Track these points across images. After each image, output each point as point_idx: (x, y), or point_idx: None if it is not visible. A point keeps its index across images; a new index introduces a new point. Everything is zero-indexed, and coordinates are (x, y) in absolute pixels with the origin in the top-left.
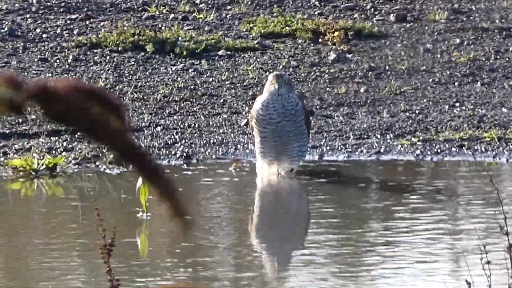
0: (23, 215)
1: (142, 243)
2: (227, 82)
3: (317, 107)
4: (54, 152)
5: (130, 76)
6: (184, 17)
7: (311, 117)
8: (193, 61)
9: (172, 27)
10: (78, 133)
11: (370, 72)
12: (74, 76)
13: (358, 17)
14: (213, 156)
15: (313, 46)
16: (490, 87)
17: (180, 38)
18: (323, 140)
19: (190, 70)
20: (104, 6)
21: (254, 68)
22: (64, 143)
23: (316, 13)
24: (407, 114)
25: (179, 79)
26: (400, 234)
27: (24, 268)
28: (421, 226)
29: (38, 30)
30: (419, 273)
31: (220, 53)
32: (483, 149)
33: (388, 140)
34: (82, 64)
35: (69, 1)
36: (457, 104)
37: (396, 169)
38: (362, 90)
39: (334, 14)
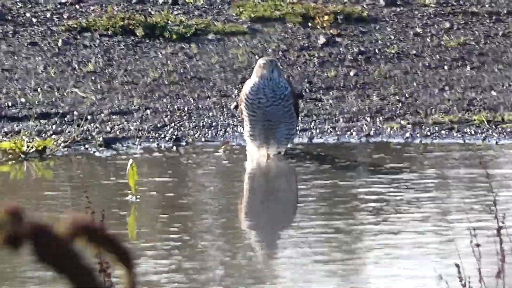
0: (12, 197)
1: (130, 225)
2: (216, 66)
3: (307, 90)
4: (43, 134)
5: (120, 60)
6: (174, 1)
7: (300, 101)
8: (183, 45)
9: (162, 11)
10: (63, 278)
11: (360, 56)
12: (64, 60)
13: (348, 1)
14: (203, 139)
15: (303, 30)
16: (480, 71)
17: (170, 23)
18: (313, 123)
19: (179, 54)
20: None
21: (244, 52)
22: (54, 126)
23: None
24: (397, 97)
25: (168, 63)
26: (389, 216)
27: (11, 257)
28: (411, 209)
29: (28, 14)
30: (409, 255)
31: (209, 37)
32: (473, 132)
33: (378, 123)
34: (72, 48)
35: None
36: (446, 88)
37: (386, 151)
38: (351, 73)
39: None
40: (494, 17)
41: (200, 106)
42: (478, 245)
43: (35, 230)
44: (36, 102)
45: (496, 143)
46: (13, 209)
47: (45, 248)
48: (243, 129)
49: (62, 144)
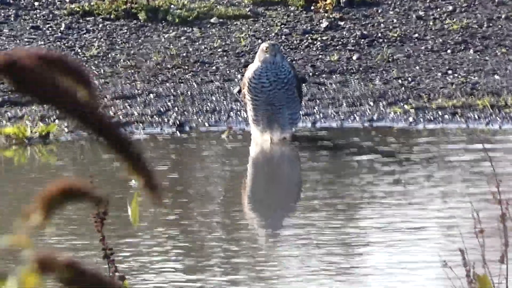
0: (16, 182)
1: (133, 211)
2: (219, 50)
3: (310, 74)
4: (47, 120)
5: (123, 44)
6: None
7: (303, 85)
8: (186, 28)
9: None
10: (45, 104)
11: (363, 40)
12: (66, 44)
13: None
14: (206, 124)
15: (306, 14)
16: (483, 55)
17: (172, 6)
18: (316, 108)
19: (182, 38)
20: None
21: (247, 36)
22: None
23: None
24: (400, 81)
25: (171, 46)
26: (393, 201)
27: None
28: (414, 193)
29: None
30: (412, 240)
31: (212, 20)
32: (476, 116)
33: (381, 108)
34: (74, 32)
35: None
36: (449, 72)
37: (389, 136)
38: (354, 57)
39: None
40: (497, 0)
41: (203, 90)
42: (482, 231)
43: (3, 62)
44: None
45: (500, 127)
46: None
47: (18, 76)
48: (247, 114)
49: (66, 129)
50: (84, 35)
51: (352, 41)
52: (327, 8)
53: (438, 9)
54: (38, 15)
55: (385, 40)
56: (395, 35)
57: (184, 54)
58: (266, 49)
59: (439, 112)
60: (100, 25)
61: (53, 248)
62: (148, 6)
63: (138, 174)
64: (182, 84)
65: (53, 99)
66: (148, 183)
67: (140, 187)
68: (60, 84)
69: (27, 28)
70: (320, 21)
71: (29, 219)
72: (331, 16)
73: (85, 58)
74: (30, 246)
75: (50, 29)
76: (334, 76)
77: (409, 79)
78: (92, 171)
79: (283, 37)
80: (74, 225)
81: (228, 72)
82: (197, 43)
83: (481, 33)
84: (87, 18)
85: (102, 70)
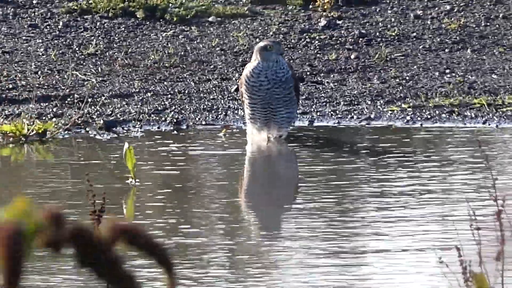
0: (12, 180)
1: (128, 208)
2: (217, 49)
3: (308, 73)
4: (44, 117)
5: (121, 42)
6: None
7: (301, 84)
8: (183, 27)
9: None
10: (105, 282)
11: (361, 39)
12: (64, 43)
13: None
14: (203, 122)
15: (304, 13)
16: (480, 54)
17: (170, 5)
18: (313, 106)
19: (180, 37)
20: None
21: (244, 35)
22: (54, 109)
23: None
24: (398, 80)
25: (169, 45)
26: (390, 199)
27: None
28: (411, 192)
29: None
30: (408, 239)
31: (210, 19)
32: (473, 115)
33: (379, 106)
34: (72, 30)
35: None
36: (447, 71)
37: (386, 135)
38: (352, 56)
39: None
40: None
41: (201, 89)
42: (478, 229)
43: (76, 234)
44: (37, 84)
45: (497, 126)
46: (53, 213)
47: (85, 253)
48: (244, 112)
49: (63, 127)
50: (82, 33)
51: (350, 40)
52: (325, 7)
53: (436, 9)
54: (36, 13)
55: (383, 39)
56: (393, 34)
57: (182, 53)
58: (270, 47)
59: (436, 111)
60: (98, 23)
61: None
62: (146, 4)
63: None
64: (179, 82)
65: (109, 278)
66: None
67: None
68: (122, 269)
69: (25, 26)
70: (318, 20)
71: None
72: (329, 15)
73: (82, 56)
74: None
75: (48, 27)
76: (332, 75)
77: (407, 78)
78: (89, 169)
79: (281, 36)
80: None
81: (225, 71)
82: (195, 42)
83: (478, 33)
84: (85, 16)
85: (99, 69)
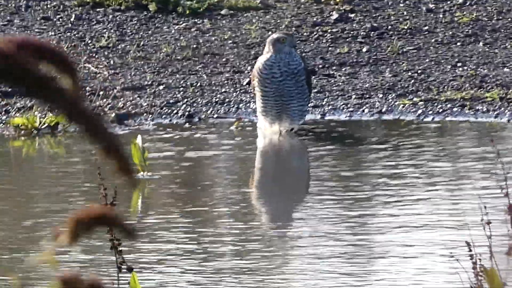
0: (25, 173)
1: (134, 202)
2: (229, 42)
3: (320, 66)
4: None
5: (133, 35)
6: None
7: (313, 77)
8: (196, 20)
9: None
10: (24, 93)
11: (373, 32)
12: (76, 35)
13: None
14: (215, 115)
15: (316, 6)
16: (492, 47)
17: None
18: (325, 100)
19: (192, 29)
20: None
21: (257, 28)
22: None
23: None
24: (409, 73)
25: (181, 38)
26: (401, 193)
27: (25, 226)
28: (423, 186)
29: None
30: (419, 233)
31: (222, 12)
32: (485, 109)
33: (390, 100)
34: (85, 23)
35: None
36: (459, 64)
37: (398, 128)
38: (364, 49)
39: None
40: None
41: (213, 82)
42: (489, 223)
43: None
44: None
45: (508, 120)
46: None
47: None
48: (256, 105)
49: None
50: (94, 26)
51: (362, 33)
52: (337, 0)
53: (448, 2)
54: (48, 6)
55: (395, 33)
56: (405, 27)
57: (194, 46)
58: (283, 40)
59: (448, 105)
60: (110, 16)
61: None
62: None
63: (112, 158)
64: (192, 75)
65: (29, 86)
66: (122, 168)
67: (115, 171)
68: (40, 72)
69: (38, 18)
70: (331, 13)
71: (57, 240)
72: (341, 8)
73: (95, 49)
74: (57, 265)
75: (60, 19)
76: (343, 69)
77: (419, 71)
78: (100, 162)
79: (293, 29)
80: None
81: (238, 63)
82: (207, 35)
83: (490, 26)
84: (97, 9)
85: (112, 61)
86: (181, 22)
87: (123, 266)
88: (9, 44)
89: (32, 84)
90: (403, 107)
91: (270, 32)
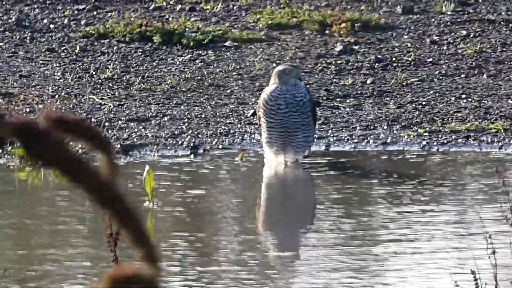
0: (30, 204)
1: (148, 230)
2: (234, 73)
3: (324, 98)
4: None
5: (137, 66)
6: (191, 8)
7: (317, 108)
8: (200, 52)
9: (179, 18)
10: (55, 172)
11: (377, 64)
12: (81, 67)
13: (365, 9)
14: (220, 146)
15: (320, 38)
16: (496, 79)
17: (187, 29)
18: (330, 131)
19: (197, 61)
20: None
21: (261, 59)
22: None
23: (323, 4)
24: (414, 105)
25: (186, 69)
26: (407, 225)
27: (31, 255)
28: (428, 217)
29: (45, 21)
30: (425, 263)
31: (227, 44)
32: (489, 140)
33: (395, 131)
34: (89, 54)
35: None
36: (463, 96)
37: (403, 160)
38: (368, 81)
39: (341, 6)
40: (510, 25)
41: (217, 113)
42: (494, 252)
43: (19, 126)
44: (54, 108)
45: None
46: None
47: (31, 143)
48: (260, 136)
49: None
50: (99, 58)
51: (366, 65)
52: (341, 32)
53: (452, 34)
54: (53, 38)
55: (400, 64)
56: (410, 59)
57: (199, 77)
58: (289, 71)
59: (453, 136)
60: (115, 48)
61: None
62: (163, 29)
63: (140, 246)
64: (196, 107)
65: (62, 168)
66: (149, 256)
67: (141, 258)
68: (71, 153)
69: (43, 50)
70: (335, 45)
71: None
72: (345, 40)
73: (99, 80)
74: None
75: (65, 51)
76: (348, 100)
77: (423, 103)
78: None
79: (298, 60)
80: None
81: (242, 95)
82: (211, 66)
83: (494, 58)
84: (102, 41)
85: (116, 93)
86: (185, 54)
87: None
88: (45, 121)
89: (64, 166)
90: (407, 138)
91: (274, 64)
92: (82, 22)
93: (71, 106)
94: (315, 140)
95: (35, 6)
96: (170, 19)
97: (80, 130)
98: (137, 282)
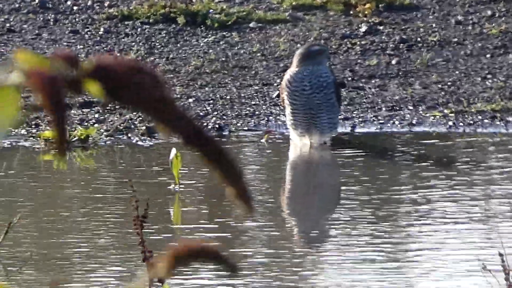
0: (56, 186)
1: (175, 214)
2: (258, 54)
3: (349, 79)
4: (86, 123)
5: (162, 48)
6: None
7: (342, 89)
8: (224, 33)
9: None
10: (138, 111)
11: (402, 44)
12: (105, 48)
13: None
14: (245, 128)
15: (344, 18)
16: None
17: (211, 10)
18: (355, 112)
19: (221, 42)
20: None
21: (285, 40)
22: (96, 115)
23: None
24: (439, 86)
25: (210, 51)
26: (433, 206)
27: (57, 240)
28: (454, 198)
29: (69, 2)
30: (451, 244)
31: (251, 25)
32: None
33: (420, 112)
34: (113, 36)
35: None
36: (489, 76)
37: (429, 140)
38: (393, 62)
39: None
40: None
41: (242, 94)
42: None
43: (95, 67)
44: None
45: None
46: (67, 54)
47: (111, 85)
48: (286, 118)
49: (105, 133)
50: (123, 39)
51: (391, 45)
52: (366, 13)
53: (477, 14)
54: (77, 19)
55: (424, 45)
56: (434, 39)
57: (223, 59)
58: (322, 52)
59: (479, 116)
60: (139, 29)
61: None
62: (187, 10)
63: (231, 184)
64: (221, 88)
65: (144, 105)
66: (241, 195)
67: (232, 197)
68: (153, 90)
69: (66, 32)
70: (359, 25)
71: (153, 271)
72: (370, 20)
73: None
74: None
75: (89, 33)
76: (373, 81)
77: (449, 83)
78: (131, 175)
79: (322, 41)
80: (115, 222)
81: (267, 76)
82: (236, 48)
83: None
84: (126, 22)
85: None
86: (209, 35)
87: (154, 279)
88: (119, 65)
89: (146, 102)
90: (433, 119)
91: (298, 45)
92: (106, 4)
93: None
94: (340, 121)
95: None
96: (194, 0)
97: (144, 74)
98: (203, 256)
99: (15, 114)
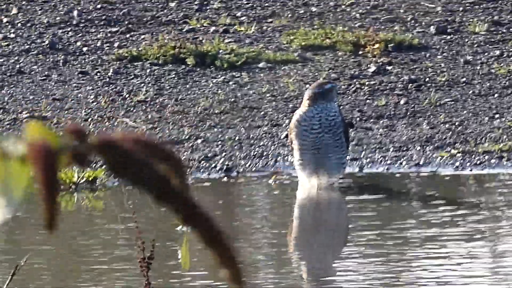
0: (63, 228)
1: (183, 254)
2: (267, 95)
3: (357, 119)
4: (94, 165)
5: (171, 89)
6: (225, 29)
7: (350, 130)
8: (234, 73)
9: (213, 39)
10: (141, 189)
11: (410, 84)
12: (114, 89)
13: (398, 29)
14: (253, 169)
15: (353, 58)
16: None
17: (220, 51)
18: (363, 152)
19: (230, 83)
20: (144, 19)
21: (295, 81)
22: None
23: (356, 25)
24: (447, 125)
25: (219, 91)
26: (440, 247)
27: (64, 279)
28: (462, 239)
29: (78, 43)
30: (459, 285)
31: (260, 65)
32: None
33: (428, 152)
34: (122, 77)
35: (109, 14)
36: (496, 116)
37: (436, 181)
38: (402, 102)
39: (375, 26)
40: None
41: (251, 135)
42: None
43: (101, 142)
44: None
45: None
46: (75, 128)
47: (114, 161)
48: (293, 159)
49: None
50: (132, 80)
51: (400, 85)
52: (375, 53)
53: (486, 54)
54: (86, 60)
55: (433, 85)
56: (443, 79)
57: (232, 99)
58: (331, 88)
59: (486, 156)
60: (148, 70)
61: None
62: (197, 51)
63: (226, 267)
64: (230, 129)
65: (147, 182)
66: (234, 279)
67: (226, 279)
68: (155, 169)
69: (76, 73)
70: (368, 65)
71: None
72: (379, 60)
73: (132, 103)
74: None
75: (98, 74)
76: (381, 121)
77: (456, 123)
78: (139, 218)
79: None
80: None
81: (276, 117)
82: (245, 88)
83: None
84: (135, 63)
85: (149, 115)
86: (219, 76)
87: None
88: (128, 140)
89: (149, 180)
90: (440, 159)
91: (308, 85)
92: (115, 45)
93: (104, 129)
94: (348, 162)
95: (68, 29)
96: (203, 41)
97: (156, 151)
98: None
99: (26, 186)
